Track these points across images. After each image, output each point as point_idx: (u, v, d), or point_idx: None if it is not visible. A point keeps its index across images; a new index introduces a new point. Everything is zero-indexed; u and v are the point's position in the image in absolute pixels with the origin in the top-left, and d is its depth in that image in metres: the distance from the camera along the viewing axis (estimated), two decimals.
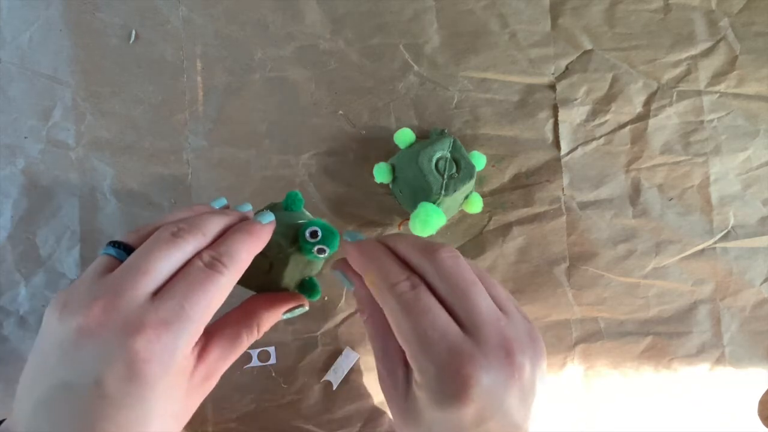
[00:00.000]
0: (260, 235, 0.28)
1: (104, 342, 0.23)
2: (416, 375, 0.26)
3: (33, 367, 0.26)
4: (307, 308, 0.32)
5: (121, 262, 0.26)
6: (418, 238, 0.30)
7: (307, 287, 0.33)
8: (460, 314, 0.26)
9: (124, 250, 0.27)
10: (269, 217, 0.29)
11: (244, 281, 0.31)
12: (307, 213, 0.34)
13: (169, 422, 0.25)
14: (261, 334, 0.30)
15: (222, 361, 0.28)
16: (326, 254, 0.31)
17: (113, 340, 0.23)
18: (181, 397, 0.25)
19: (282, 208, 0.33)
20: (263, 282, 0.32)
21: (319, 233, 0.30)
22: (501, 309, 0.27)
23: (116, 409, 0.23)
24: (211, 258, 0.26)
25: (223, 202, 0.32)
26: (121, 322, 0.24)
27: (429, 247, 0.28)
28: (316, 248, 0.30)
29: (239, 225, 0.29)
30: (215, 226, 0.28)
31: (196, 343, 0.26)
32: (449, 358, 0.25)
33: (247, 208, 0.31)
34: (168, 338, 0.24)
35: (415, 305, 0.26)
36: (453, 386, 0.24)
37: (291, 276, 0.32)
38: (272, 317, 0.31)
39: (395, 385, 0.28)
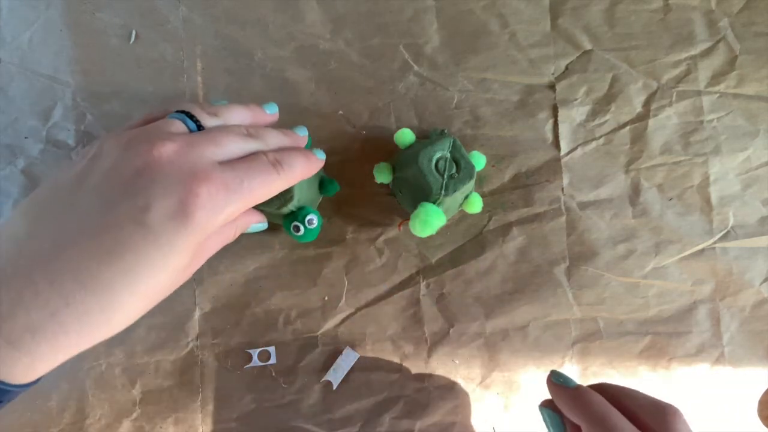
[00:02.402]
0: (314, 164, 0.32)
1: (167, 176, 0.24)
2: None
3: (60, 183, 0.26)
4: (266, 225, 0.35)
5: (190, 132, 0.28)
6: (645, 396, 0.30)
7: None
8: None
9: (195, 123, 0.29)
10: (323, 155, 0.34)
11: None
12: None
13: (172, 278, 0.27)
14: (237, 234, 0.32)
15: (212, 247, 0.30)
16: (300, 232, 0.36)
17: (178, 177, 0.25)
18: (188, 261, 0.27)
19: None
20: None
21: (315, 221, 0.36)
22: None
23: (148, 242, 0.24)
24: (275, 158, 0.29)
25: (275, 108, 0.35)
26: (189, 166, 0.25)
27: (662, 409, 0.29)
28: (294, 224, 0.36)
29: (301, 148, 0.32)
30: (278, 141, 0.31)
31: None
32: None
33: (303, 133, 0.34)
34: (223, 199, 0.26)
35: None
36: None
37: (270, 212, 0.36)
38: (246, 223, 0.33)
39: None
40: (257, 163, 0.28)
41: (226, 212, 0.26)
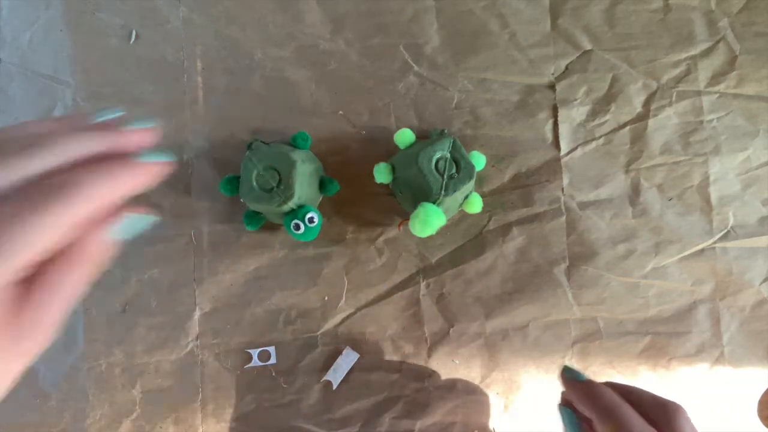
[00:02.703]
0: (132, 176, 0.22)
1: None
2: None
3: None
4: (148, 218, 0.24)
5: None
6: (649, 393, 0.32)
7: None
8: None
9: None
10: (159, 157, 0.23)
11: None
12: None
13: None
14: (94, 260, 0.22)
15: (46, 306, 0.21)
16: (300, 231, 0.36)
17: None
18: None
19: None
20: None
21: (316, 219, 0.36)
22: None
23: None
24: (47, 184, 0.20)
25: (113, 114, 0.24)
26: None
27: (667, 405, 0.30)
28: (294, 222, 0.36)
29: (110, 162, 0.22)
30: (75, 149, 0.22)
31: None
32: None
33: (141, 125, 0.24)
34: None
35: None
36: None
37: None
38: (98, 236, 0.22)
39: None
40: (21, 196, 0.19)
41: None
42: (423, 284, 0.41)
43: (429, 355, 0.41)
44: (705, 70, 0.42)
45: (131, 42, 0.41)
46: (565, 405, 0.33)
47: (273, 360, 0.41)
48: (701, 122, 0.42)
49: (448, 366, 0.41)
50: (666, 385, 0.41)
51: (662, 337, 0.42)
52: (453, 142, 0.38)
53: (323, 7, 0.42)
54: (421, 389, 0.41)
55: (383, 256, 0.41)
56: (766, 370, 0.42)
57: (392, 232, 0.41)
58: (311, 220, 0.36)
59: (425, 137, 0.40)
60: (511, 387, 0.41)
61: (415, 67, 0.42)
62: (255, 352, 0.41)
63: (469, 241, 0.42)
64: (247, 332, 0.41)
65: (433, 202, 0.36)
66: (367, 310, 0.41)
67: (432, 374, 0.41)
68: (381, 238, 0.41)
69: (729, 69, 0.42)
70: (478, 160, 0.39)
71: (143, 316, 0.41)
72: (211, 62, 0.41)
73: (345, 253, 0.41)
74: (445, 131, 0.41)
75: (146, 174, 0.22)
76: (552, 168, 0.42)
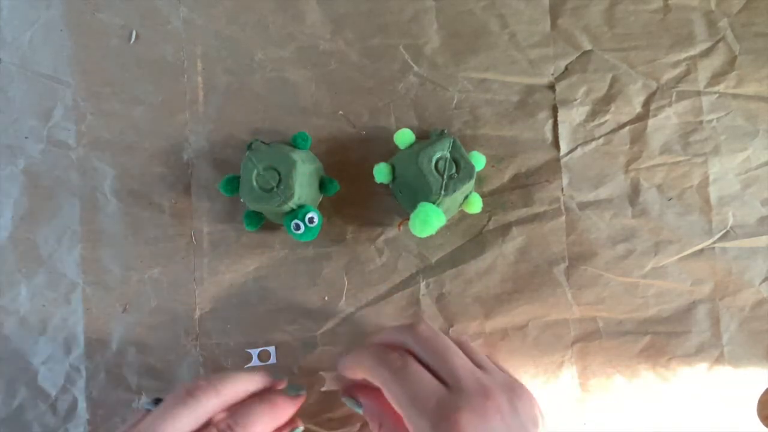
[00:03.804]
0: (284, 410, 0.31)
1: None
2: None
3: None
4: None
5: None
6: (387, 329, 0.35)
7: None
8: (442, 373, 0.31)
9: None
10: (297, 390, 0.33)
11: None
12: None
13: None
14: None
15: None
16: (300, 231, 0.36)
17: None
18: None
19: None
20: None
21: (316, 219, 0.36)
22: (477, 365, 0.32)
23: None
24: (226, 425, 0.28)
25: (297, 390, 0.34)
26: None
27: (406, 324, 0.34)
28: (294, 222, 0.36)
29: (264, 395, 0.31)
30: (233, 387, 0.30)
31: None
32: (439, 411, 0.29)
33: (295, 392, 0.34)
34: None
35: (406, 373, 0.31)
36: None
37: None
38: None
39: None
40: None
41: None
42: (423, 284, 0.41)
43: None
44: (705, 70, 0.42)
45: (131, 42, 0.41)
46: (345, 394, 0.36)
47: (273, 360, 0.41)
48: (701, 122, 0.42)
49: None
50: (666, 385, 0.41)
51: (662, 336, 0.42)
52: (453, 142, 0.38)
53: (323, 7, 0.42)
54: None
55: (383, 256, 0.41)
56: (766, 370, 0.42)
57: (392, 232, 0.41)
58: (311, 220, 0.36)
59: (425, 137, 0.41)
60: None
61: (415, 68, 0.42)
62: (255, 352, 0.41)
63: (469, 241, 0.42)
64: (247, 332, 0.41)
65: (433, 202, 0.36)
66: (367, 310, 0.41)
67: None
68: (381, 238, 0.41)
69: (729, 69, 0.42)
70: (478, 160, 0.39)
71: (143, 316, 0.41)
72: (211, 62, 0.41)
73: (345, 253, 0.41)
74: (445, 131, 0.41)
75: (288, 410, 0.32)
76: (552, 168, 0.42)
